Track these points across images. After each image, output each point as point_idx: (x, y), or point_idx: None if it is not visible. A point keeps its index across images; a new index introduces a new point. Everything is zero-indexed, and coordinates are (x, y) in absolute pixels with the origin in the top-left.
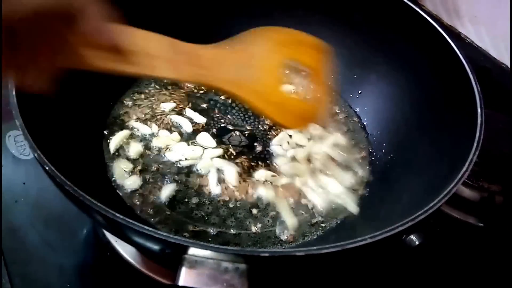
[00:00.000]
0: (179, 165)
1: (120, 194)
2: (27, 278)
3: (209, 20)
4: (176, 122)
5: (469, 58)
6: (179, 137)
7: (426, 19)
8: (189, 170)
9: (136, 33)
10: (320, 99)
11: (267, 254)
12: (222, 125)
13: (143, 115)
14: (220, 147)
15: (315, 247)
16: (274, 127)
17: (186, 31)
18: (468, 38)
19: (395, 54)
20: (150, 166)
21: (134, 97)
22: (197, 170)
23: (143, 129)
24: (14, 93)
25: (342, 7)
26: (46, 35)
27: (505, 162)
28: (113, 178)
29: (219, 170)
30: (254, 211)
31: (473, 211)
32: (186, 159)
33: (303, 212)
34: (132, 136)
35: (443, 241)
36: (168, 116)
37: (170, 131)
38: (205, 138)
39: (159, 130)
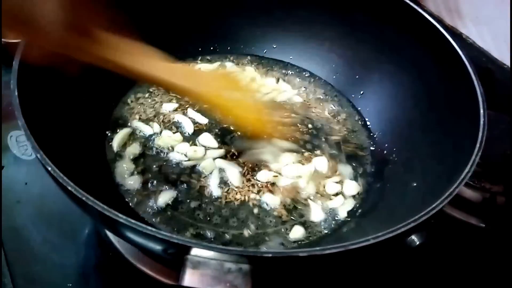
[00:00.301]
0: (182, 166)
1: (122, 194)
2: (29, 278)
3: (209, 20)
4: (178, 122)
5: (471, 58)
6: (181, 138)
7: (428, 19)
8: (191, 171)
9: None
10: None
11: (270, 255)
12: (225, 125)
13: (146, 115)
14: (222, 148)
15: (318, 248)
16: None
17: (186, 31)
18: (469, 38)
19: (397, 54)
20: (152, 167)
21: (137, 97)
22: (199, 171)
23: (145, 129)
24: (16, 93)
25: (344, 7)
26: None
27: (507, 163)
28: (115, 179)
29: (221, 171)
30: (256, 211)
31: (475, 212)
32: (188, 159)
33: (305, 213)
34: (134, 136)
35: (444, 241)
36: (170, 116)
37: (173, 131)
38: (207, 138)
39: (161, 130)
